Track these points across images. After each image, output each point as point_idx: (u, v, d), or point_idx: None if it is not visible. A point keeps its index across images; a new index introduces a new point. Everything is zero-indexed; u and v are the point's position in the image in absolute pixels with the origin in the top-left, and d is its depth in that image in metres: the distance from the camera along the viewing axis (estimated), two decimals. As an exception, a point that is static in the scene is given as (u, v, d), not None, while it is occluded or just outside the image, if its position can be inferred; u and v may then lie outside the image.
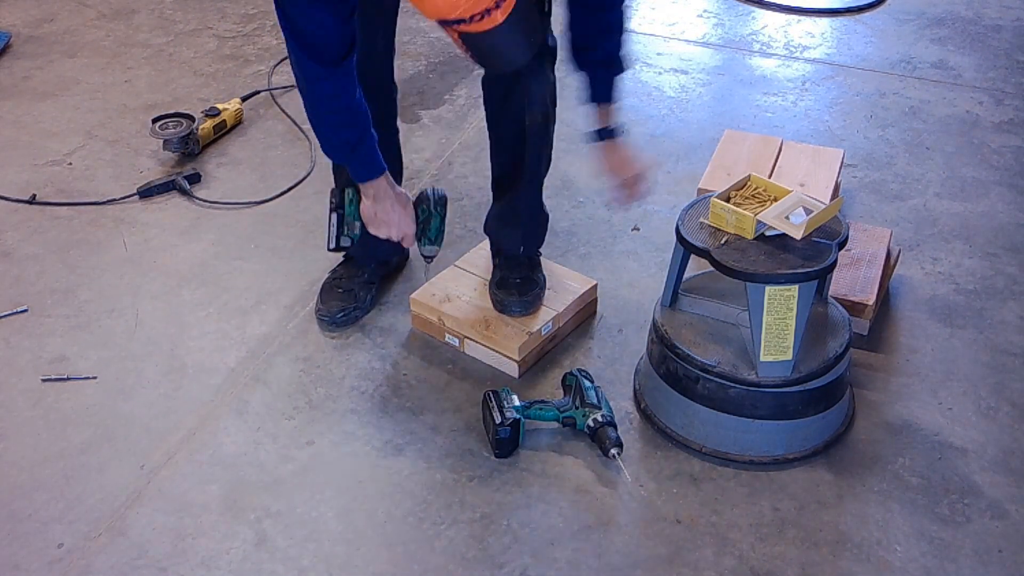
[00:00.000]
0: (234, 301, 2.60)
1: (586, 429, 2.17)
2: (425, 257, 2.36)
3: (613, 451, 2.12)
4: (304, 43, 1.96)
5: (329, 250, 2.30)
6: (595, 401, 2.19)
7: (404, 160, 3.16)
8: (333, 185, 2.31)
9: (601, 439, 2.14)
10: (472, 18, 1.69)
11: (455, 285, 2.50)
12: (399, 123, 2.52)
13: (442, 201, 2.31)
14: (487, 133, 2.43)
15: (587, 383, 2.23)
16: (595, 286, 2.53)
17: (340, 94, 2.04)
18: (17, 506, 2.10)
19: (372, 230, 2.22)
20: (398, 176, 2.42)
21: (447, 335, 2.44)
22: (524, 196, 2.45)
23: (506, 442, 2.16)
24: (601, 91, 2.16)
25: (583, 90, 2.15)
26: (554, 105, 2.34)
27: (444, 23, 1.74)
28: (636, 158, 2.21)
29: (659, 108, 3.36)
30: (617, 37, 2.13)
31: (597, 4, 2.08)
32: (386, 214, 2.20)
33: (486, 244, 2.59)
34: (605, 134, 2.19)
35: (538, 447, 2.21)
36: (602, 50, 2.13)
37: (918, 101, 3.39)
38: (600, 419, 2.16)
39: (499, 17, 1.69)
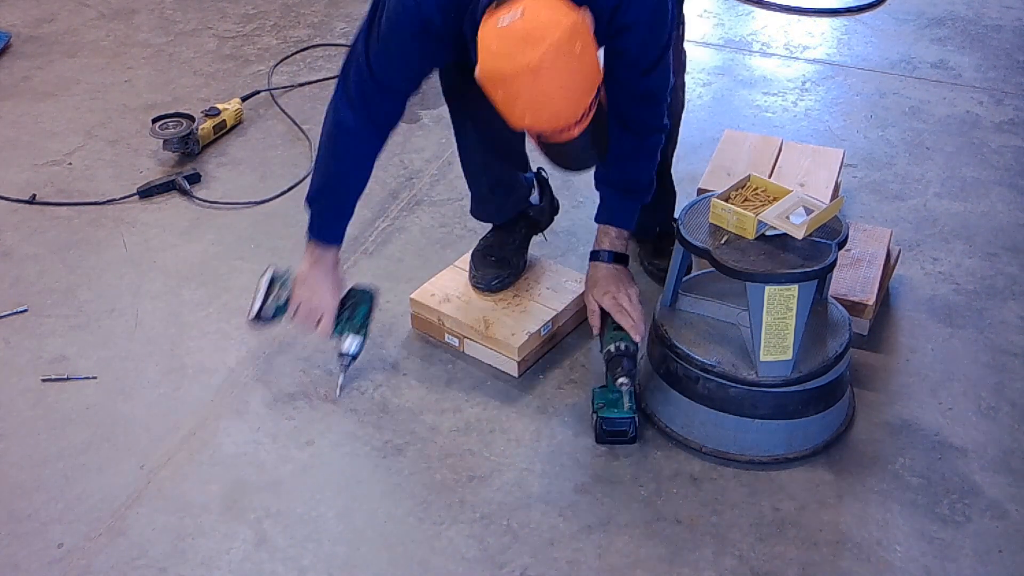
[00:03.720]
0: (234, 301, 2.60)
1: (605, 354, 2.17)
2: (341, 355, 2.31)
3: (620, 380, 2.11)
4: (370, 102, 2.12)
5: (248, 320, 2.29)
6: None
7: (404, 160, 3.17)
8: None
9: (614, 367, 2.14)
10: (553, 133, 1.87)
11: (454, 285, 2.49)
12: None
13: (372, 295, 2.34)
14: None
15: None
16: None
17: (354, 152, 2.18)
18: (17, 506, 2.10)
19: (296, 294, 2.27)
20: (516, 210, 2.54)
21: (447, 335, 2.44)
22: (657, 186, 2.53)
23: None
24: (608, 213, 2.30)
25: (598, 206, 2.29)
26: (680, 107, 2.54)
27: (529, 134, 1.91)
28: (621, 295, 2.24)
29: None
30: (641, 165, 2.23)
31: (637, 126, 2.17)
32: (315, 282, 2.26)
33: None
34: (595, 255, 2.30)
35: (538, 444, 2.21)
36: (619, 172, 2.23)
37: (918, 101, 3.39)
38: (622, 347, 2.15)
39: (575, 132, 1.86)
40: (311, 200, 2.25)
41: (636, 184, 2.25)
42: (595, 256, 2.30)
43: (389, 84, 2.11)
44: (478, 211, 2.58)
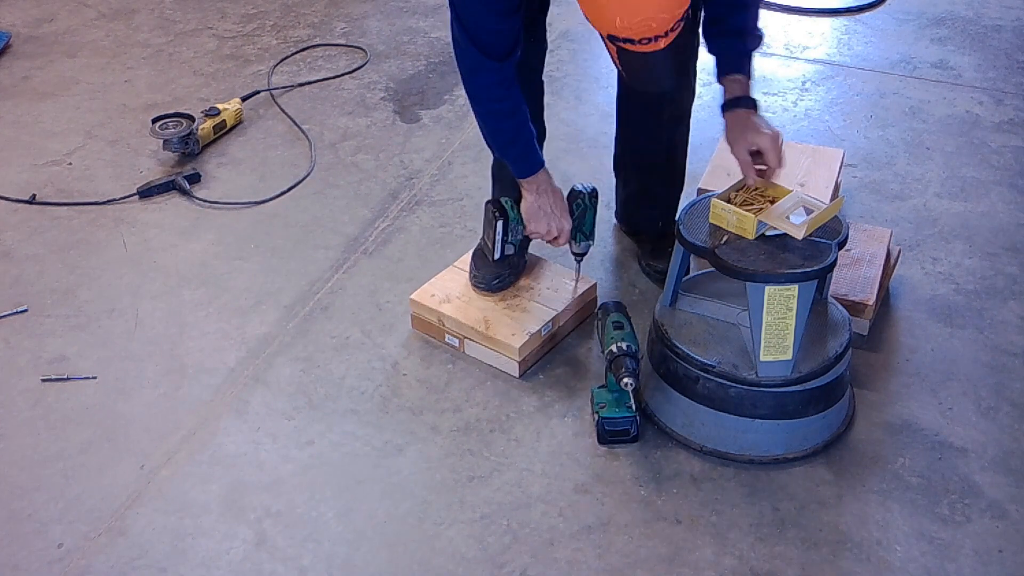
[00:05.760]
0: (234, 301, 2.60)
1: (607, 354, 2.18)
2: (576, 255, 2.44)
3: (626, 380, 2.11)
4: (475, 39, 2.10)
5: (493, 261, 2.43)
6: (627, 328, 2.21)
7: (404, 160, 3.17)
8: (489, 198, 2.46)
9: (617, 367, 2.14)
10: (640, 40, 1.82)
11: (454, 286, 2.49)
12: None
13: (594, 194, 2.41)
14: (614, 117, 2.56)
15: (620, 314, 2.25)
16: (595, 285, 2.53)
17: (501, 87, 2.16)
18: (17, 506, 2.10)
19: (532, 226, 2.33)
20: None
21: (447, 336, 2.44)
22: (663, 177, 2.54)
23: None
24: (732, 62, 2.19)
25: (716, 65, 2.19)
26: (692, 104, 2.55)
27: (612, 38, 1.86)
28: (765, 130, 2.15)
29: (659, 108, 3.35)
30: (750, 11, 2.19)
31: None
32: (548, 208, 2.31)
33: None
34: (733, 103, 2.17)
35: (538, 444, 2.21)
36: (733, 22, 2.17)
37: (918, 101, 3.39)
38: (624, 347, 2.16)
39: (661, 44, 1.82)
40: (499, 153, 2.33)
41: (748, 29, 2.17)
42: (735, 103, 2.17)
43: (472, 13, 2.09)
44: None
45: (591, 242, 2.44)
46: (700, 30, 2.27)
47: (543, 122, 2.54)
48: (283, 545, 2.02)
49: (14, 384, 2.38)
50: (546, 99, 2.54)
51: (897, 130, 3.25)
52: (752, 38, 2.19)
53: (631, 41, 1.84)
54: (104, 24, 3.91)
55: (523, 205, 2.34)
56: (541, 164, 2.30)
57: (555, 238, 2.35)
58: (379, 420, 2.28)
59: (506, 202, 2.38)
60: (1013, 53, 3.66)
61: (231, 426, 2.27)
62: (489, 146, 2.34)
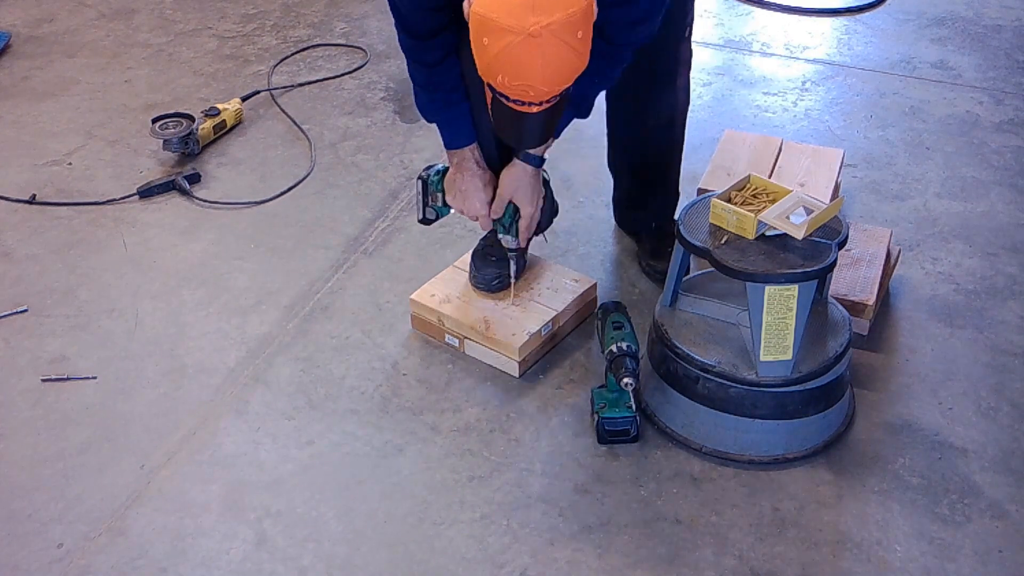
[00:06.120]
0: (234, 301, 2.60)
1: (607, 354, 2.17)
2: (508, 251, 2.40)
3: (626, 380, 2.11)
4: (397, 12, 2.10)
5: (418, 221, 2.43)
6: (627, 329, 2.20)
7: (404, 160, 3.17)
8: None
9: (617, 367, 2.14)
10: (515, 101, 1.83)
11: (455, 286, 2.49)
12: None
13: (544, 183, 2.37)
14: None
15: (620, 314, 2.24)
16: (595, 285, 2.53)
17: (425, 60, 2.15)
18: (17, 506, 2.10)
19: (449, 200, 2.33)
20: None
21: (447, 336, 2.44)
22: (649, 183, 2.54)
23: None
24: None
25: None
26: (685, 105, 2.55)
27: (489, 86, 1.86)
28: (524, 193, 2.26)
29: (659, 108, 3.35)
30: (596, 80, 2.12)
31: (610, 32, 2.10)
32: (464, 185, 2.27)
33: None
34: (526, 158, 2.24)
35: (538, 444, 2.21)
36: (579, 88, 2.09)
37: (918, 101, 3.39)
38: (624, 347, 2.16)
39: (534, 110, 1.84)
40: (429, 117, 2.27)
41: (580, 95, 2.14)
42: (523, 156, 2.24)
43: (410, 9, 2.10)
44: None
45: (516, 239, 2.35)
46: (688, 35, 2.33)
47: None
48: (283, 545, 2.02)
49: (14, 384, 2.38)
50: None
51: (897, 130, 3.24)
52: (576, 106, 2.19)
53: (506, 97, 1.84)
54: (104, 24, 3.90)
55: (447, 176, 2.32)
56: (469, 141, 2.25)
57: (476, 219, 2.33)
58: (379, 420, 2.28)
59: (434, 168, 2.37)
60: (1013, 53, 3.66)
61: (231, 426, 2.27)
62: (418, 108, 2.28)
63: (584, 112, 2.22)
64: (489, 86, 1.87)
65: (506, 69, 1.77)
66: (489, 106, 1.93)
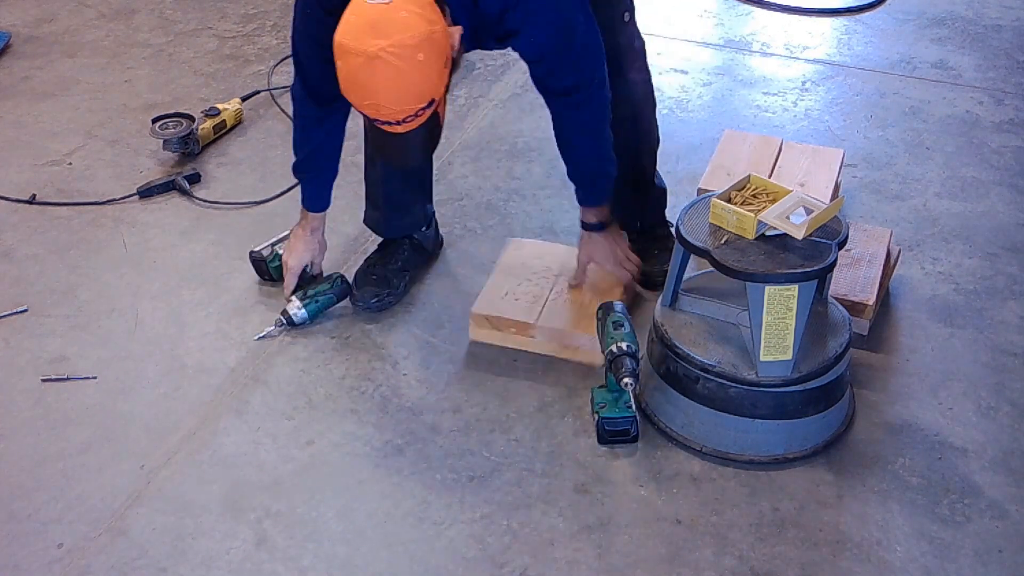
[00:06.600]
0: (234, 301, 2.60)
1: (607, 354, 2.17)
2: (282, 312, 2.49)
3: (626, 380, 2.11)
4: (303, 73, 2.26)
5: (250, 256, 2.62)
6: (627, 328, 2.20)
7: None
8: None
9: (617, 367, 2.14)
10: (375, 120, 1.94)
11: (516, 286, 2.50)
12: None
13: (339, 284, 2.51)
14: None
15: (621, 314, 2.25)
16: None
17: (309, 122, 2.35)
18: (17, 506, 2.10)
19: (284, 253, 2.54)
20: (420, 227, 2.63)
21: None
22: (621, 182, 2.52)
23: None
24: (581, 196, 2.38)
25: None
26: (645, 98, 2.53)
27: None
28: (612, 258, 2.42)
29: (659, 108, 3.34)
30: (591, 146, 2.29)
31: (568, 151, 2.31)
32: (293, 243, 2.52)
33: (510, 247, 2.63)
34: (586, 227, 2.40)
35: (538, 444, 2.21)
36: (578, 171, 2.34)
37: (918, 101, 3.39)
38: (624, 347, 2.16)
39: (399, 129, 1.94)
40: (295, 172, 2.48)
41: (592, 169, 2.34)
42: (584, 226, 2.42)
43: (300, 50, 2.24)
44: (368, 218, 2.67)
45: (305, 312, 2.48)
46: (628, 20, 2.37)
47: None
48: (283, 545, 2.02)
49: (14, 384, 2.38)
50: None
51: (897, 130, 3.25)
52: (596, 176, 2.34)
53: (368, 118, 1.95)
54: (104, 24, 3.90)
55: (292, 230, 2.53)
56: (317, 209, 2.49)
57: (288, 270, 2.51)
58: (379, 420, 2.28)
59: (265, 252, 2.60)
60: (1013, 53, 3.66)
61: (231, 426, 2.27)
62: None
63: (608, 170, 2.33)
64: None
65: (354, 89, 1.90)
66: (369, 132, 2.09)
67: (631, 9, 2.42)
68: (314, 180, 2.46)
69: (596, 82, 2.20)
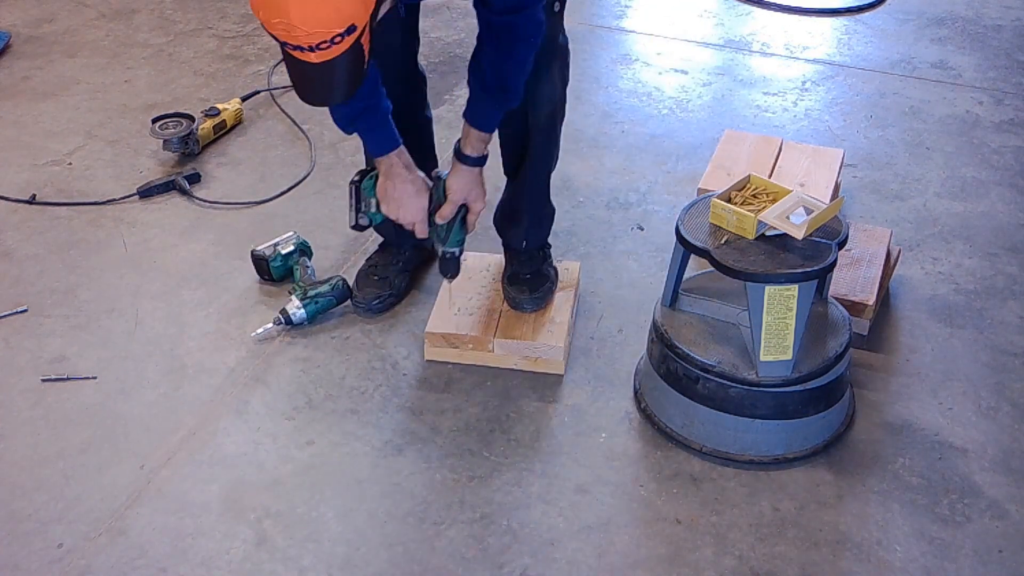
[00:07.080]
0: (234, 301, 2.60)
1: (443, 252, 2.26)
2: (285, 314, 2.47)
3: (446, 281, 2.26)
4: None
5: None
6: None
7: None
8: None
9: (447, 266, 2.28)
10: (286, 45, 1.70)
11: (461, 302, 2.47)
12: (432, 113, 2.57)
13: (342, 290, 2.44)
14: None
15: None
16: (578, 266, 2.56)
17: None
18: (17, 506, 2.10)
19: (384, 209, 2.23)
20: (428, 167, 2.34)
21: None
22: (527, 192, 2.45)
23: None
24: (472, 113, 2.16)
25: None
26: (563, 104, 2.35)
27: (283, 44, 1.73)
28: (475, 193, 2.22)
29: (659, 108, 3.35)
30: (515, 68, 2.08)
31: (506, 44, 2.05)
32: (396, 193, 2.20)
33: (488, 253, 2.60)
34: (464, 158, 2.18)
35: (538, 444, 2.21)
36: (495, 75, 2.09)
37: (918, 101, 3.39)
38: (457, 252, 2.26)
39: (312, 57, 1.70)
40: (347, 129, 2.21)
41: (506, 85, 2.10)
42: (460, 156, 2.19)
43: None
44: None
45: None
46: (557, 10, 2.16)
47: (426, 118, 2.55)
48: (283, 545, 2.02)
49: (14, 384, 2.38)
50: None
51: (897, 130, 3.25)
52: (505, 95, 2.11)
53: (280, 43, 1.71)
54: (104, 24, 3.91)
55: (378, 185, 2.22)
56: (394, 146, 2.18)
57: (412, 227, 2.24)
58: (379, 420, 2.28)
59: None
60: (1013, 53, 3.67)
61: (231, 426, 2.27)
62: (334, 120, 2.21)
63: (511, 99, 2.12)
64: (285, 45, 1.73)
65: (264, 7, 1.68)
66: (286, 63, 1.80)
67: (562, 8, 2.22)
68: (375, 118, 2.18)
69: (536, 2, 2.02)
